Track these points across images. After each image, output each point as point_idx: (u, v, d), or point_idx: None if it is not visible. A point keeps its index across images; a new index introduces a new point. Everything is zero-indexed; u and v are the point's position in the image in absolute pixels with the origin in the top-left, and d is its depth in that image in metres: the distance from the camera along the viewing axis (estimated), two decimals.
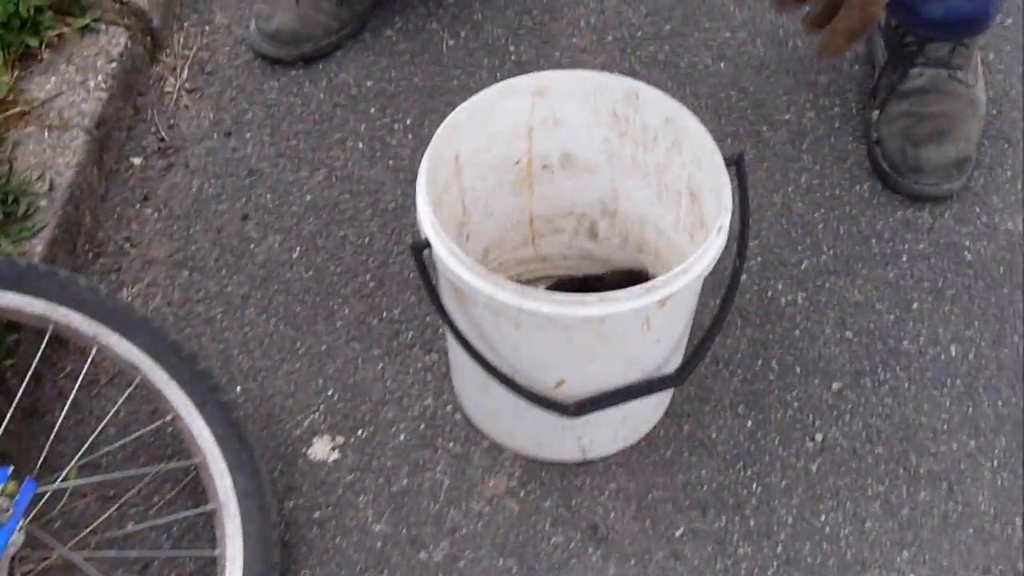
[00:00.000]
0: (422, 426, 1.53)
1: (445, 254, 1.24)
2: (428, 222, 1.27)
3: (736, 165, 1.34)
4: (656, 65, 1.94)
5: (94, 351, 1.37)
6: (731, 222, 1.26)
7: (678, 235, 1.47)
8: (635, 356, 1.34)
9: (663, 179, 1.45)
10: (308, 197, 1.77)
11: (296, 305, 1.65)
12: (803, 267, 1.68)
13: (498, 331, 1.30)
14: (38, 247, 1.58)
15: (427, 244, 1.27)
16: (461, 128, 1.37)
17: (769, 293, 1.66)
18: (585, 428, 1.43)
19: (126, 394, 1.39)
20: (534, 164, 1.50)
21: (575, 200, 1.55)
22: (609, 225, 1.57)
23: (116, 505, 1.45)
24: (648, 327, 1.28)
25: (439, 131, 1.34)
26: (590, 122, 1.44)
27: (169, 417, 1.39)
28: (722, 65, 1.95)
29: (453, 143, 1.38)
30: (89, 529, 1.41)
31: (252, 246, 1.72)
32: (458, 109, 1.37)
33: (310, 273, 1.69)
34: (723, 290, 1.33)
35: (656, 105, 1.38)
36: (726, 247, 1.25)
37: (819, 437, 1.51)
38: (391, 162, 1.80)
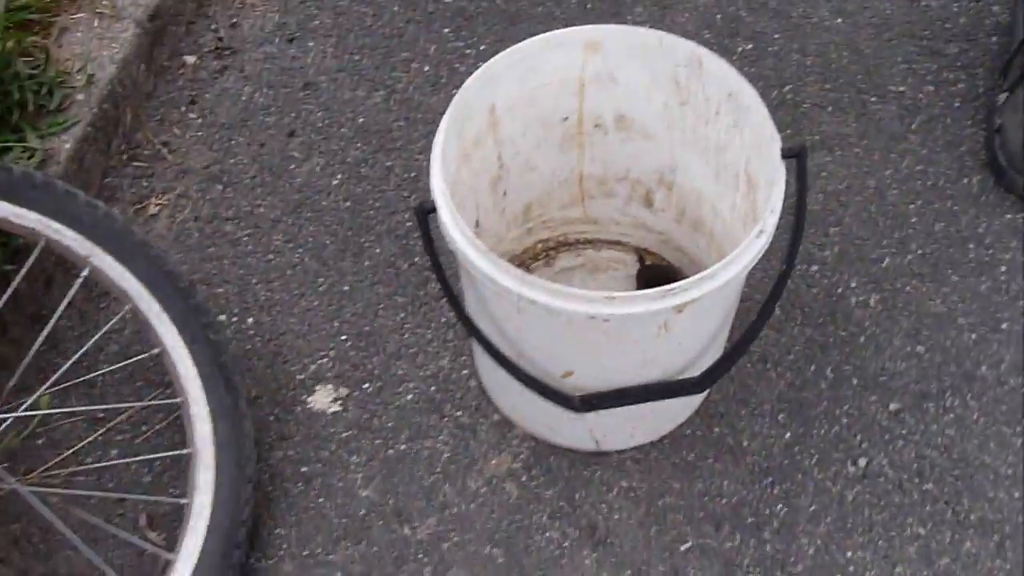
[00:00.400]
0: (432, 388, 1.44)
1: (449, 223, 1.14)
2: (439, 187, 1.16)
3: (796, 159, 1.18)
4: (764, 12, 1.76)
5: (86, 272, 1.30)
6: (786, 221, 1.11)
7: (733, 221, 1.33)
8: (653, 356, 1.22)
9: (722, 158, 1.30)
10: (361, 120, 1.67)
11: (326, 237, 1.56)
12: (884, 265, 1.52)
13: (501, 310, 1.19)
14: (67, 144, 1.52)
15: (433, 208, 1.16)
16: (497, 79, 1.26)
17: (839, 290, 1.50)
18: (597, 420, 1.31)
19: (112, 322, 1.33)
20: (585, 122, 1.37)
21: (630, 165, 1.42)
22: (665, 196, 1.43)
23: (90, 437, 1.40)
24: (666, 329, 1.16)
25: (468, 82, 1.23)
26: (648, 85, 1.30)
27: (156, 351, 1.32)
28: (839, 20, 1.76)
29: (487, 94, 1.26)
30: (56, 461, 1.36)
31: (293, 166, 1.63)
32: (494, 59, 1.25)
33: (347, 204, 1.59)
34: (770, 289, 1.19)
35: (720, 77, 1.24)
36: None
37: (863, 462, 1.37)
38: (454, 91, 1.67)
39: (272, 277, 1.53)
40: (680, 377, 1.26)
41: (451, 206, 1.14)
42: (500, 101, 1.29)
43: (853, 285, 1.51)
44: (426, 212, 1.18)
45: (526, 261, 1.52)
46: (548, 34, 1.25)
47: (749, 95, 1.21)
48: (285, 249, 1.55)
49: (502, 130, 1.32)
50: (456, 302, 1.22)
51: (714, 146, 1.31)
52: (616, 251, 1.53)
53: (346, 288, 1.52)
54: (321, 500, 1.36)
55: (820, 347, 1.46)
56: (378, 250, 1.55)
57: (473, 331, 1.23)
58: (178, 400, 1.31)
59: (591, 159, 1.42)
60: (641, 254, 1.52)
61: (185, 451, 1.30)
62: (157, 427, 1.41)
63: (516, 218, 1.45)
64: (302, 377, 1.45)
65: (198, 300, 1.33)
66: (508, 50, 1.25)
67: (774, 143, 1.17)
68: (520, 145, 1.36)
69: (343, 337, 1.48)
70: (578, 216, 1.50)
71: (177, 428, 1.40)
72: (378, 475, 1.38)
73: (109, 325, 1.35)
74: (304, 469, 1.38)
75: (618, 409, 1.26)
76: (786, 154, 1.17)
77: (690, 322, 1.17)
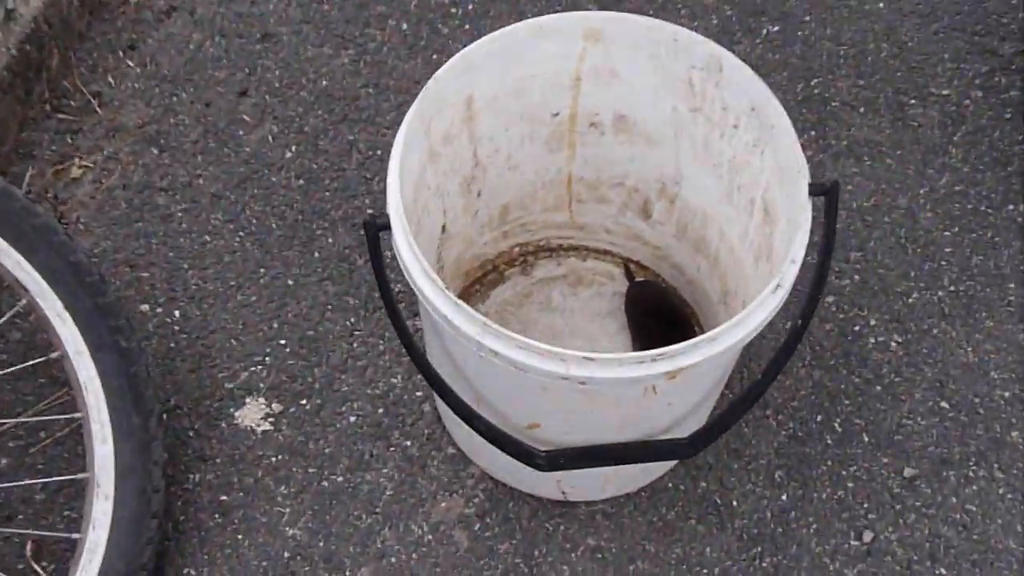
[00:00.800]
0: (380, 410, 1.26)
1: (404, 251, 0.95)
2: (395, 204, 0.97)
3: (826, 196, 0.99)
4: None
5: None
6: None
7: (743, 250, 1.15)
8: (635, 417, 1.04)
9: (737, 178, 1.12)
10: (324, 82, 1.47)
11: (273, 220, 1.37)
12: (910, 301, 1.34)
13: (460, 349, 1.01)
14: None
15: (387, 225, 0.97)
16: (478, 67, 1.07)
17: (856, 327, 1.32)
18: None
19: (6, 316, 1.14)
20: (579, 120, 1.18)
21: (628, 170, 1.23)
22: (665, 209, 1.24)
23: None
24: (654, 392, 0.98)
25: (442, 71, 1.04)
26: (656, 84, 1.12)
27: (55, 355, 1.13)
28: (880, 5, 1.56)
29: (464, 84, 1.07)
30: None
31: (241, 132, 1.43)
32: (474, 44, 1.05)
33: (300, 182, 1.40)
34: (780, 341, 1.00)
35: (742, 86, 1.05)
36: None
37: (868, 536, 1.20)
38: (435, 56, 1.48)
39: (207, 263, 1.34)
40: (665, 437, 1.08)
41: (408, 233, 0.95)
42: (479, 92, 1.10)
43: (873, 323, 1.32)
44: (377, 229, 0.99)
45: (500, 266, 1.34)
46: (542, 19, 1.06)
47: (776, 113, 1.02)
48: (224, 231, 1.36)
49: (480, 125, 1.13)
50: (405, 332, 1.03)
51: (728, 163, 1.12)
52: (603, 262, 1.35)
53: (291, 283, 1.34)
54: (240, 537, 1.19)
55: (829, 394, 1.28)
56: (331, 240, 1.36)
57: (423, 367, 1.04)
58: (76, 415, 1.13)
59: (583, 161, 1.23)
60: (631, 267, 1.33)
61: (82, 475, 1.13)
62: (58, 434, 1.23)
63: (491, 221, 1.26)
64: (231, 386, 1.27)
65: (109, 299, 1.15)
66: (492, 35, 1.05)
67: (801, 177, 0.98)
68: (500, 142, 1.17)
69: (282, 341, 1.30)
70: (563, 220, 1.31)
71: (80, 438, 1.22)
72: (308, 511, 1.20)
73: (6, 317, 1.17)
74: (224, 498, 1.21)
75: None
76: (814, 191, 0.99)
77: (684, 385, 1.00)
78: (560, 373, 0.92)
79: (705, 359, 0.93)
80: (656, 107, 1.14)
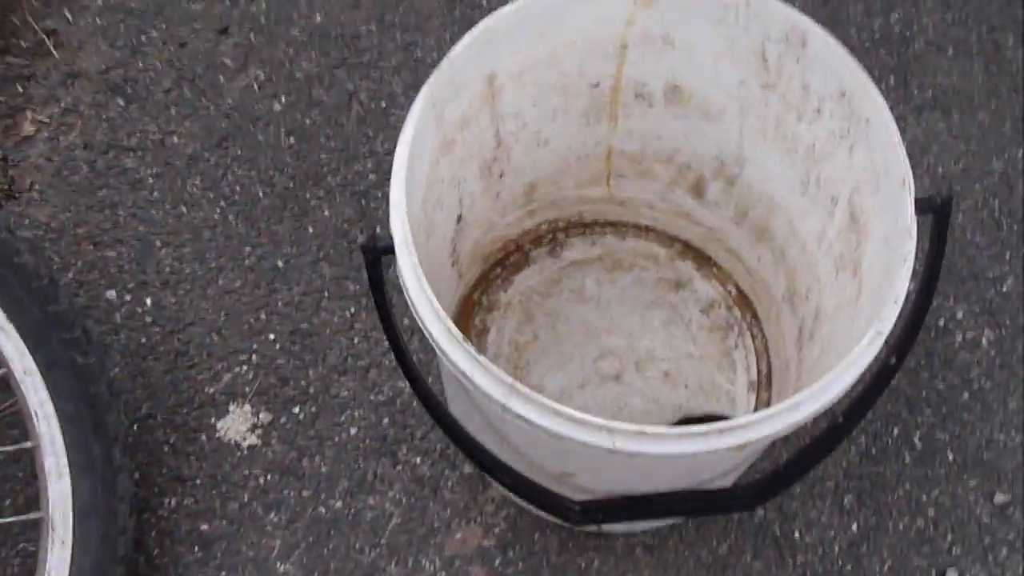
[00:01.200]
0: (385, 420, 1.10)
1: (414, 291, 0.78)
2: (399, 221, 0.79)
3: (935, 215, 0.81)
4: None
5: None
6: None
7: (819, 253, 0.97)
8: (688, 468, 0.87)
9: (817, 169, 0.93)
10: (319, 17, 1.28)
11: (260, 187, 1.19)
12: (1004, 289, 1.16)
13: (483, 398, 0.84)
14: None
15: (389, 249, 0.80)
16: (502, 39, 0.89)
17: (939, 321, 1.15)
18: None
19: None
20: (624, 91, 1.00)
21: (680, 146, 1.05)
22: (723, 190, 1.06)
23: None
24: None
25: (459, 49, 0.87)
26: (720, 54, 0.93)
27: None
28: None
29: (485, 61, 0.90)
30: None
31: (222, 79, 1.24)
32: (499, 13, 0.86)
33: (292, 140, 1.22)
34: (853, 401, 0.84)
35: (831, 66, 0.86)
36: None
37: (952, 575, 1.04)
38: None
39: (183, 239, 1.17)
40: (721, 485, 0.92)
41: (418, 269, 0.77)
42: (504, 67, 0.92)
43: (960, 316, 1.15)
44: (379, 253, 0.81)
45: (525, 246, 1.16)
46: None
47: (874, 105, 0.84)
48: (203, 200, 1.19)
49: (503, 102, 0.95)
50: (412, 369, 0.86)
51: (805, 150, 0.94)
52: (645, 241, 1.17)
53: (280, 264, 1.16)
54: (223, 575, 1.04)
55: (908, 402, 1.12)
56: (327, 212, 1.18)
57: (432, 408, 0.87)
58: (26, 445, 0.97)
59: (627, 133, 1.05)
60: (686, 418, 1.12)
61: (33, 515, 0.97)
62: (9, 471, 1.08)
63: (515, 200, 1.09)
64: (212, 390, 1.11)
65: (61, 307, 0.98)
66: (520, 1, 0.85)
67: (904, 191, 0.80)
68: (528, 118, 0.99)
69: (271, 336, 1.13)
70: (600, 195, 1.13)
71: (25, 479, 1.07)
72: (303, 543, 1.05)
73: None
74: (204, 527, 1.06)
75: None
76: (922, 207, 0.80)
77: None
78: (605, 447, 0.76)
79: (775, 432, 0.76)
80: (718, 79, 0.95)
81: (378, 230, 1.01)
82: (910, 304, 0.82)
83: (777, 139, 0.96)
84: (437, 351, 0.78)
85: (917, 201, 0.80)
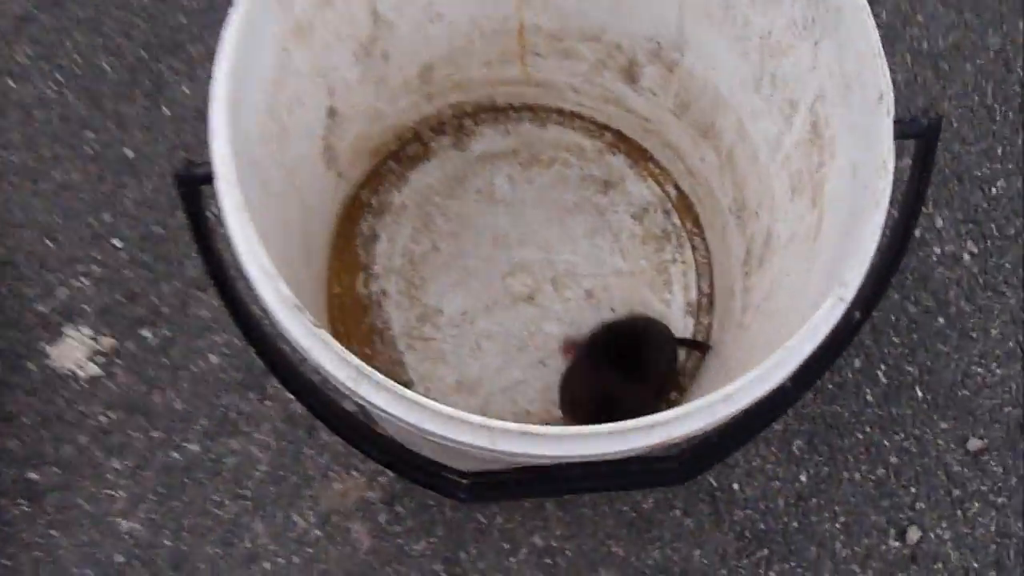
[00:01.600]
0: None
1: (241, 243, 0.60)
2: (221, 156, 0.60)
3: (918, 141, 0.64)
4: None
5: None
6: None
7: (773, 164, 0.81)
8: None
9: (772, 63, 0.75)
10: None
11: (105, 57, 1.00)
12: (993, 193, 1.00)
13: None
14: None
15: (208, 178, 0.62)
16: None
17: (916, 230, 0.98)
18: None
19: None
20: None
21: (607, 22, 0.87)
22: (661, 76, 0.88)
23: None
24: None
25: None
26: None
27: None
28: None
29: None
30: None
31: None
32: None
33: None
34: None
35: None
36: None
37: (914, 534, 0.92)
38: None
39: (11, 122, 0.98)
40: (639, 455, 0.76)
41: (241, 209, 0.59)
42: None
43: (940, 224, 1.00)
44: (198, 183, 0.63)
45: (424, 134, 0.97)
46: None
47: None
48: (35, 72, 0.99)
49: None
50: (243, 320, 0.69)
51: (759, 39, 0.75)
52: (569, 129, 0.99)
53: (130, 153, 0.98)
54: (55, 534, 0.89)
55: (873, 329, 0.97)
56: (187, 88, 1.00)
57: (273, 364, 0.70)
58: None
59: (541, 6, 0.86)
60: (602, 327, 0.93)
61: None
62: None
63: (406, 84, 0.90)
64: (44, 309, 0.94)
65: None
66: None
67: (881, 110, 0.62)
68: None
69: (116, 242, 0.96)
70: (515, 77, 0.95)
71: None
72: (151, 495, 0.90)
73: None
74: (33, 476, 0.91)
75: None
76: (902, 132, 0.63)
77: None
78: (484, 447, 0.60)
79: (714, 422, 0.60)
80: None
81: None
82: (882, 249, 0.65)
83: (725, 22, 0.78)
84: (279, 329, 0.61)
85: (897, 123, 0.63)
